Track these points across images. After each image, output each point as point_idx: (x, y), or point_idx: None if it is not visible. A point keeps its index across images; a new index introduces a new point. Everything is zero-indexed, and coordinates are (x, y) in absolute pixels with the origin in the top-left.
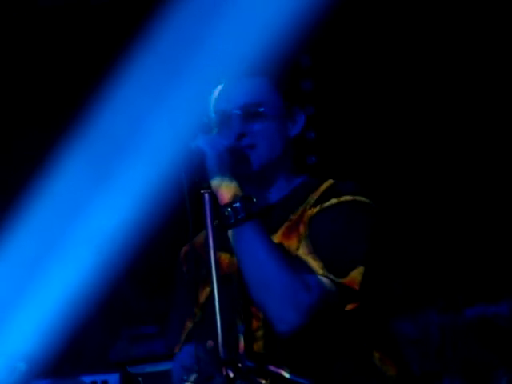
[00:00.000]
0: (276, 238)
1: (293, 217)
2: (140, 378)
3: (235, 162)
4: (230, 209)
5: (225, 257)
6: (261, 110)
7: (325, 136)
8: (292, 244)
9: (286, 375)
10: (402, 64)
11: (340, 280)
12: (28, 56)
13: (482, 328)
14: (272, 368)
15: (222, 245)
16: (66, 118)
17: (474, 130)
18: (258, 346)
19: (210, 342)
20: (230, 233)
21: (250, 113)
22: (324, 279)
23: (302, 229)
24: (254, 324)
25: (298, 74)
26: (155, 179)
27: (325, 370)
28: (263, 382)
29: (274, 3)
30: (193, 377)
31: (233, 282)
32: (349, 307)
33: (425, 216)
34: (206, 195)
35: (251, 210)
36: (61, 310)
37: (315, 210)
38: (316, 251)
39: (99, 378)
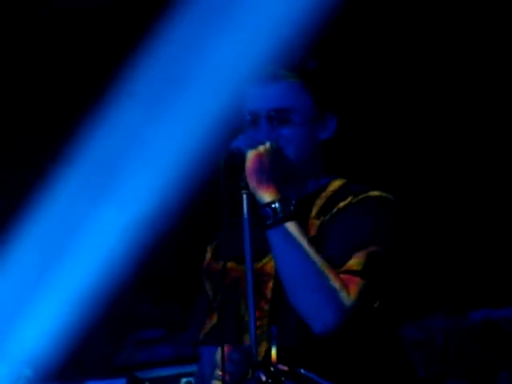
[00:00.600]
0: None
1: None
2: (147, 383)
3: (274, 163)
4: (269, 209)
5: (231, 265)
6: (290, 115)
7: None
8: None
9: (318, 380)
10: (407, 67)
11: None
12: (23, 69)
13: (486, 332)
14: (303, 371)
15: (230, 253)
16: (70, 124)
17: (477, 133)
18: (289, 349)
19: (243, 348)
20: (268, 233)
21: (278, 118)
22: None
23: (311, 231)
24: (285, 326)
25: (333, 82)
26: (159, 186)
27: (352, 373)
28: None
29: (279, 8)
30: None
31: (238, 288)
32: (375, 298)
33: (430, 220)
34: (245, 196)
35: (290, 210)
36: (66, 315)
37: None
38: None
39: (105, 383)
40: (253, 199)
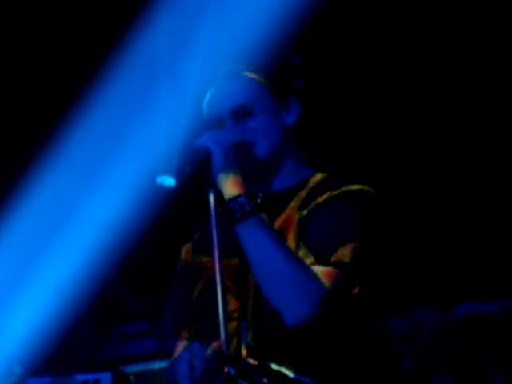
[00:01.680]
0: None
1: (288, 210)
2: (132, 377)
3: (240, 158)
4: (235, 203)
5: (207, 260)
6: (251, 108)
7: (316, 134)
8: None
9: (289, 374)
10: (394, 61)
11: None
12: None
13: (472, 326)
14: (274, 366)
15: (207, 248)
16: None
17: (473, 130)
18: (260, 343)
19: (214, 344)
20: (236, 227)
21: (241, 113)
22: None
23: (292, 224)
24: (257, 321)
25: (289, 72)
26: (144, 180)
27: (326, 367)
28: (265, 380)
29: (263, 2)
30: (196, 373)
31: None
32: (352, 291)
33: (418, 215)
34: (211, 193)
35: (256, 203)
36: (52, 309)
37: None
38: (311, 240)
39: (91, 376)
40: (220, 196)
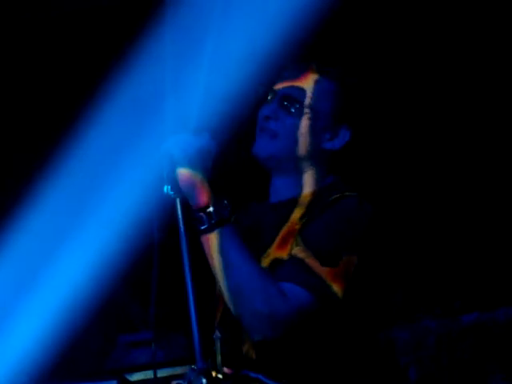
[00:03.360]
0: (276, 243)
1: (291, 220)
2: None
3: (208, 166)
4: (203, 214)
5: None
6: (300, 106)
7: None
8: (285, 249)
9: (265, 380)
10: (402, 68)
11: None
12: None
13: (477, 334)
14: (250, 374)
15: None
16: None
17: (473, 134)
18: (237, 352)
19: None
20: (202, 238)
21: (288, 105)
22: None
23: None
24: (232, 331)
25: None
26: (152, 188)
27: (303, 375)
28: None
29: (274, 8)
30: None
31: None
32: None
33: (422, 223)
34: (178, 200)
35: (224, 214)
36: (57, 317)
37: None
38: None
39: None
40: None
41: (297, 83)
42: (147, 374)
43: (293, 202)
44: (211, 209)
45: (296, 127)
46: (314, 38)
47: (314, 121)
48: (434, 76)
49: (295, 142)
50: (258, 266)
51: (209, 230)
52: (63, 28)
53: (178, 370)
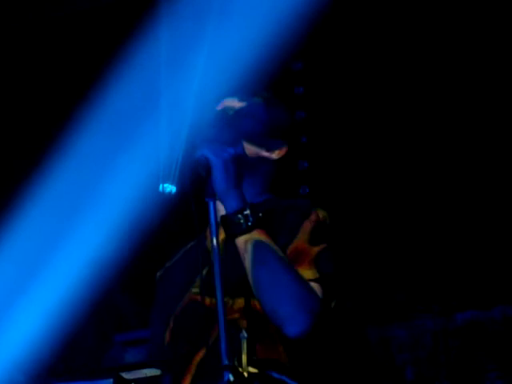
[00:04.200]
0: None
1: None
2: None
3: (242, 171)
4: (240, 216)
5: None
6: (246, 117)
7: (317, 141)
8: None
9: (289, 382)
10: (395, 68)
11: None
12: None
13: (474, 333)
14: (275, 374)
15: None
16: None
17: (472, 137)
18: (260, 352)
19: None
20: (239, 240)
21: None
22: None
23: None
24: (256, 331)
25: (290, 79)
26: (146, 187)
27: (324, 374)
28: None
29: (266, 9)
30: None
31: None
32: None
33: (416, 221)
34: (211, 203)
35: (259, 216)
36: (53, 316)
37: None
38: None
39: (92, 383)
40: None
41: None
42: (143, 373)
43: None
44: (248, 211)
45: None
46: (310, 37)
47: (257, 128)
48: (434, 76)
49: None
50: (291, 265)
51: (246, 232)
52: (60, 29)
53: None
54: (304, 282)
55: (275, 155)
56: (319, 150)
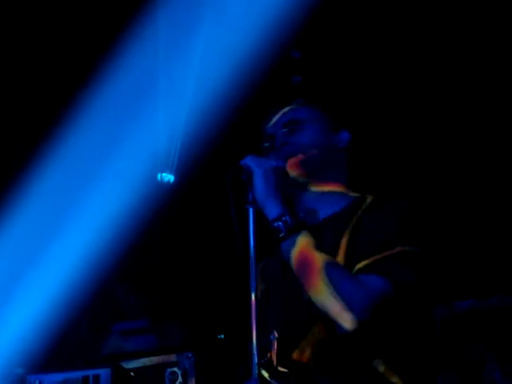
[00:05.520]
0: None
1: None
2: (132, 373)
3: (281, 181)
4: (280, 222)
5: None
6: (302, 125)
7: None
8: None
9: (317, 381)
10: (393, 56)
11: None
12: None
13: (472, 321)
14: (304, 375)
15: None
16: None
17: (469, 129)
18: (287, 353)
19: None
20: (282, 245)
21: (291, 128)
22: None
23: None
24: (284, 332)
25: (289, 68)
26: (144, 177)
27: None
28: None
29: (261, 8)
30: None
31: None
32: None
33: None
34: (251, 209)
35: (299, 221)
36: (52, 305)
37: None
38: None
39: (91, 372)
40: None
41: (283, 115)
42: (142, 362)
43: (336, 217)
44: (287, 217)
45: (309, 138)
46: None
47: (316, 128)
48: (434, 75)
49: (313, 152)
50: (337, 263)
51: (287, 237)
52: (56, 16)
53: (173, 358)
54: (353, 277)
55: (343, 145)
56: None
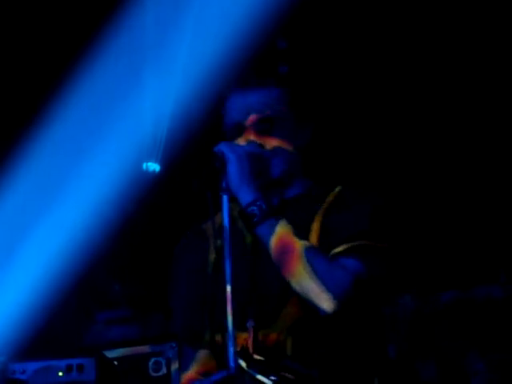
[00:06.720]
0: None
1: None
2: (115, 362)
3: (255, 167)
4: (254, 207)
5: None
6: (273, 125)
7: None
8: None
9: (294, 367)
10: (380, 45)
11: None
12: None
13: (456, 313)
14: (281, 361)
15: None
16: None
17: (469, 126)
18: (268, 340)
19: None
20: (258, 230)
21: (262, 128)
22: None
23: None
24: (264, 319)
25: (275, 57)
26: (130, 165)
27: (328, 359)
28: (272, 372)
29: None
30: None
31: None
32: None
33: (402, 201)
34: (225, 197)
35: (274, 206)
36: (35, 295)
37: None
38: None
39: (74, 361)
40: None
41: (252, 105)
42: (125, 351)
43: (295, 200)
44: (261, 202)
45: (282, 140)
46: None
47: (287, 130)
48: (422, 55)
49: (285, 157)
50: (316, 247)
51: (262, 222)
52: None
53: (157, 348)
54: (329, 263)
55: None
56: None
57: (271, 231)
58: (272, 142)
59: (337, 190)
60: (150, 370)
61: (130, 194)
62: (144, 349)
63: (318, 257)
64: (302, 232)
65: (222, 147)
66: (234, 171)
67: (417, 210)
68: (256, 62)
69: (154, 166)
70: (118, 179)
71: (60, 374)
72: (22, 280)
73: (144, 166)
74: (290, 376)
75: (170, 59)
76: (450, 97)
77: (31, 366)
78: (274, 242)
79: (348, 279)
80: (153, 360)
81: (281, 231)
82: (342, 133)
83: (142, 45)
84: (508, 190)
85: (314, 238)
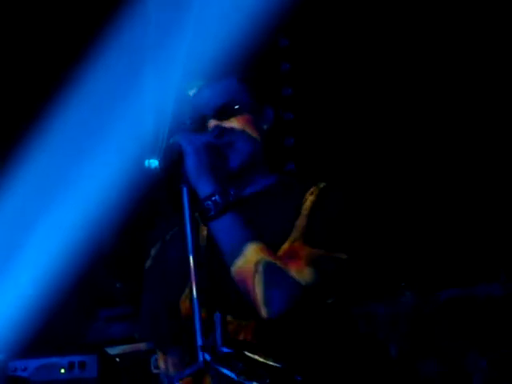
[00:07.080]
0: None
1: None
2: (117, 359)
3: (213, 158)
4: (209, 202)
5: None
6: (235, 107)
7: (303, 118)
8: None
9: (261, 359)
10: (382, 44)
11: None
12: None
13: (456, 310)
14: (247, 353)
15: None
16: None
17: (459, 124)
18: (235, 331)
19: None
20: (211, 225)
21: (224, 113)
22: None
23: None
24: (226, 311)
25: (276, 55)
26: (132, 162)
27: (299, 352)
28: (240, 364)
29: None
30: None
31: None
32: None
33: (400, 199)
34: (185, 189)
35: (229, 201)
36: (37, 291)
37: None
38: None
39: (76, 358)
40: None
41: (211, 97)
42: (127, 348)
43: (261, 195)
44: (217, 197)
45: (243, 125)
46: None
47: (247, 110)
48: (421, 54)
49: (249, 138)
50: (266, 247)
51: (216, 217)
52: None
53: None
54: (278, 265)
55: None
56: (306, 127)
57: (225, 226)
58: (234, 125)
59: (321, 186)
60: (152, 367)
61: (132, 190)
62: (146, 346)
63: (270, 265)
64: (281, 228)
65: (179, 139)
66: (191, 164)
67: (417, 209)
68: (256, 62)
69: (155, 163)
70: (119, 179)
71: (62, 371)
72: (22, 278)
73: (146, 162)
74: (255, 368)
75: (170, 59)
76: (446, 94)
77: (33, 363)
78: (225, 237)
79: (288, 300)
80: (154, 357)
81: (234, 227)
82: (335, 128)
83: (142, 45)
84: (508, 189)
85: (296, 234)
